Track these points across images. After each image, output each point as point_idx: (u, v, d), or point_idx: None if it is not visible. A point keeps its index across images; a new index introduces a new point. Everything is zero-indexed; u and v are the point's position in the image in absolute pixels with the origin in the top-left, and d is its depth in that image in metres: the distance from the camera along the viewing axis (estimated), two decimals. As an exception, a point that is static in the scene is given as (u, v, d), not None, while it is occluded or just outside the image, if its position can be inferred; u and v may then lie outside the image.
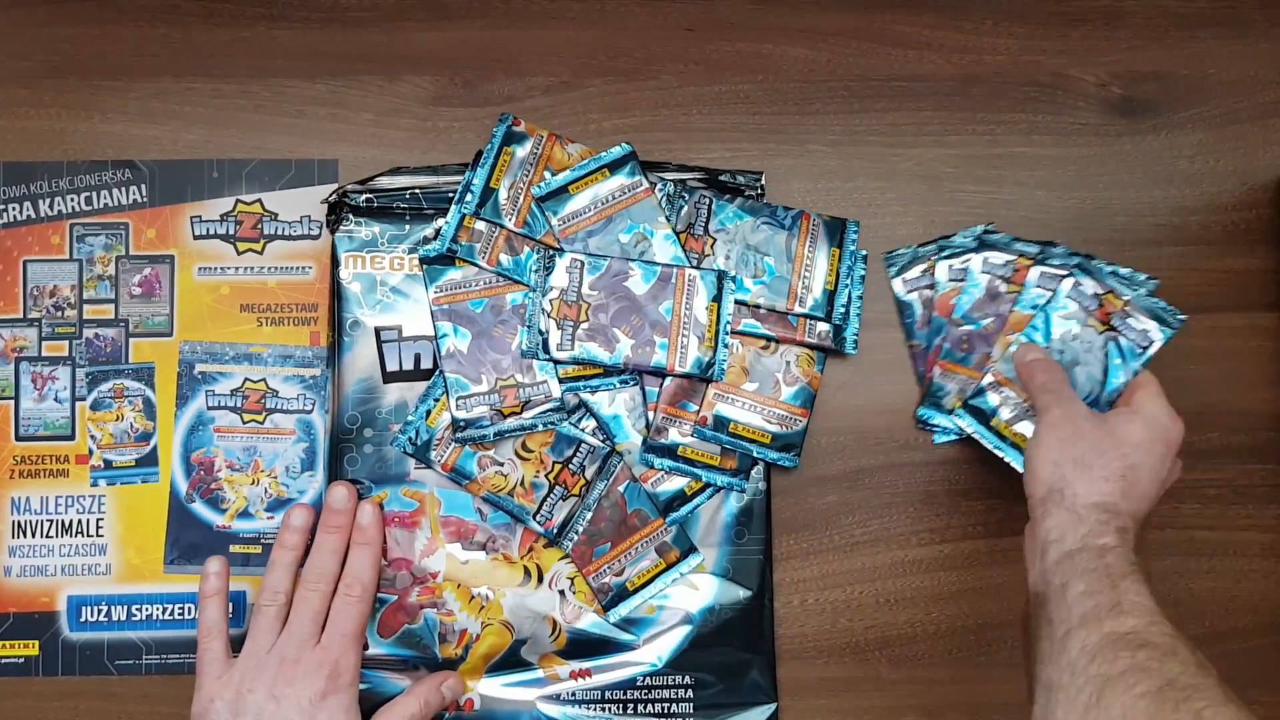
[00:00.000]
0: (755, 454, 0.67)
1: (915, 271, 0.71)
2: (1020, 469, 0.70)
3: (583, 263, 0.66)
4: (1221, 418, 0.72)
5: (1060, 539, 0.53)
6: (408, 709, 0.62)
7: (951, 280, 0.71)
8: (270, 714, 0.58)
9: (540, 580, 0.67)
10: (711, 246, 0.67)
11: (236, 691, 0.59)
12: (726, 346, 0.67)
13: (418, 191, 0.69)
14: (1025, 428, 0.68)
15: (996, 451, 0.68)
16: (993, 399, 0.69)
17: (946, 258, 0.71)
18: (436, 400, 0.66)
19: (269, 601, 0.62)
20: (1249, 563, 0.71)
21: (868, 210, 0.72)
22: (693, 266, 0.67)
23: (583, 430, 0.67)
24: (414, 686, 0.64)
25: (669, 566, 0.67)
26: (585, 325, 0.66)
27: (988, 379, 0.69)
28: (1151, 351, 0.69)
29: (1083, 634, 0.48)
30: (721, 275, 0.67)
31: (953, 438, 0.69)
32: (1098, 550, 0.52)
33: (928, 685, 0.69)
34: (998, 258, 0.70)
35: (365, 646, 0.64)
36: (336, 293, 0.68)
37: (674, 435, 0.67)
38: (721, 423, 0.67)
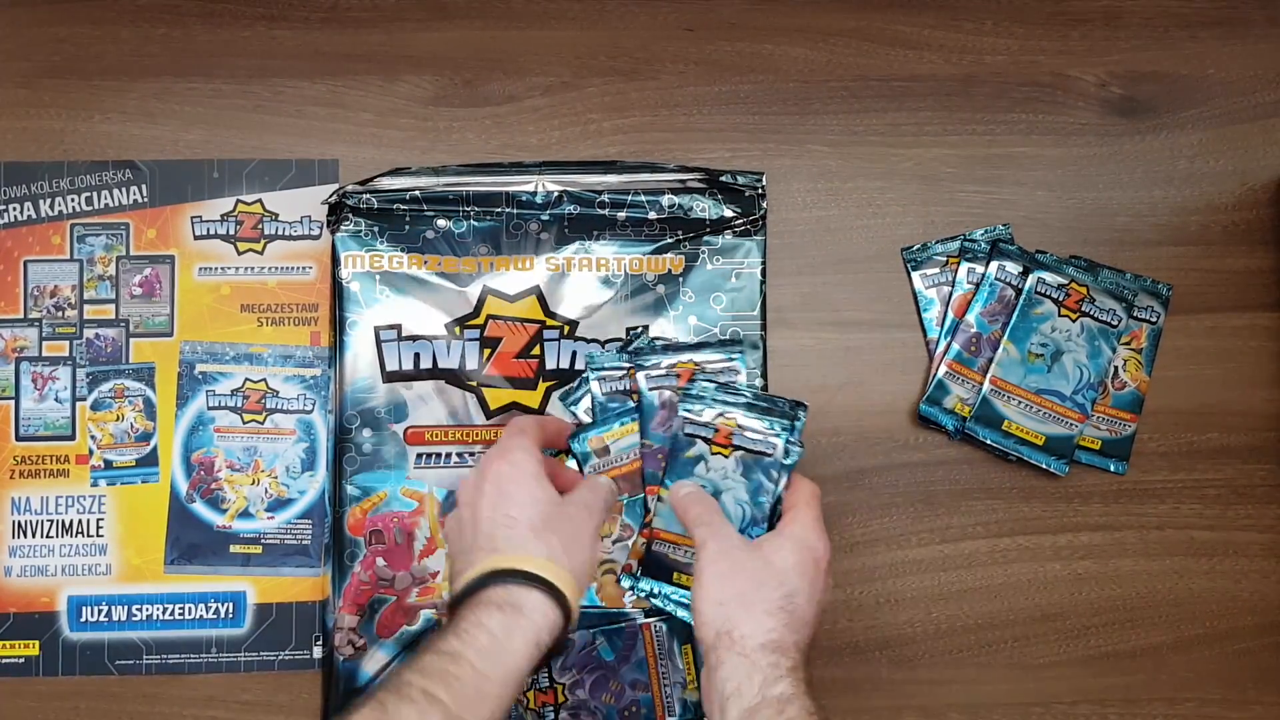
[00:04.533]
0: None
1: (934, 268, 0.72)
2: (1039, 462, 0.71)
3: None
4: (1221, 418, 0.72)
5: (738, 692, 0.51)
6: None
7: (970, 283, 0.71)
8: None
9: None
10: None
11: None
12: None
13: (418, 193, 0.69)
14: (1031, 425, 0.69)
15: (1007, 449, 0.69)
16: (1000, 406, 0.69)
17: (969, 260, 0.71)
18: None
19: None
20: (1249, 563, 0.71)
21: (867, 210, 0.72)
22: (650, 616, 0.66)
23: None
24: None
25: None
26: (566, 706, 0.65)
27: (987, 386, 0.69)
28: (1123, 326, 0.70)
29: None
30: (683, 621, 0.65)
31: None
32: (776, 705, 0.50)
33: (928, 685, 0.69)
34: (1013, 266, 0.71)
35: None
36: (337, 293, 0.68)
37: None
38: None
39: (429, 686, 0.46)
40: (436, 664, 0.47)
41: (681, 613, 0.62)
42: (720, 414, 0.63)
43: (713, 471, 0.62)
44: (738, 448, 0.62)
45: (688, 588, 0.61)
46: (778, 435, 0.61)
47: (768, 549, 0.56)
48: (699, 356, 0.67)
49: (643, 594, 0.63)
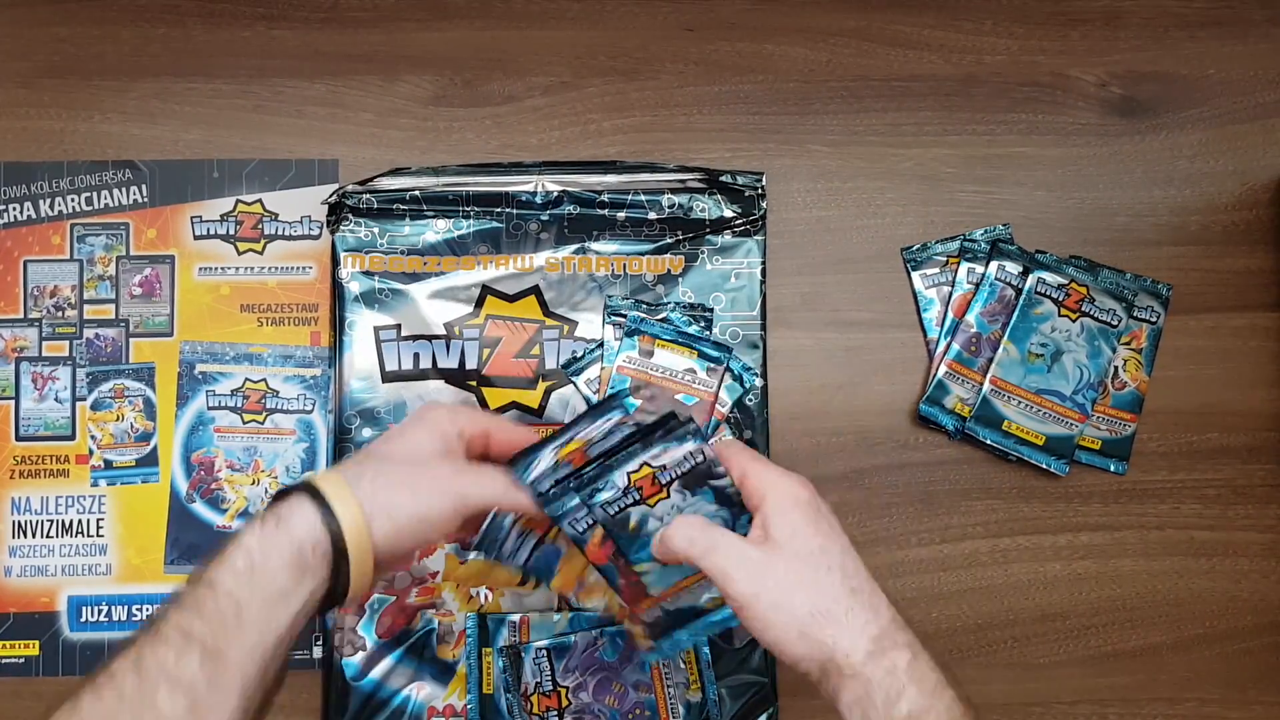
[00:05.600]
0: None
1: (934, 268, 0.72)
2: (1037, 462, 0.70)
3: (548, 650, 0.65)
4: (1221, 418, 0.72)
5: (865, 718, 0.45)
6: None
7: (970, 283, 0.71)
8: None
9: (539, 581, 0.67)
10: None
11: None
12: (715, 682, 0.65)
13: (418, 193, 0.69)
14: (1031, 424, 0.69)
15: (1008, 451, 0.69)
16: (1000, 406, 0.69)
17: (969, 260, 0.71)
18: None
19: None
20: (1249, 563, 0.71)
21: (868, 210, 0.72)
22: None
23: None
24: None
25: None
26: (570, 710, 0.65)
27: (987, 386, 0.69)
28: (1123, 326, 0.70)
29: None
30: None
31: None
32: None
33: (928, 685, 0.69)
34: (1013, 266, 0.71)
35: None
36: (336, 293, 0.68)
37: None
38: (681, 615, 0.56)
39: (184, 621, 0.43)
40: (193, 595, 0.44)
41: (718, 632, 0.58)
42: (631, 470, 0.53)
43: (665, 520, 0.53)
44: (666, 485, 0.53)
45: (717, 608, 0.55)
46: (688, 445, 0.53)
47: (783, 542, 0.49)
48: (654, 458, 0.53)
49: (679, 648, 0.57)
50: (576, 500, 0.53)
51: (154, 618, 0.44)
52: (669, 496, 0.53)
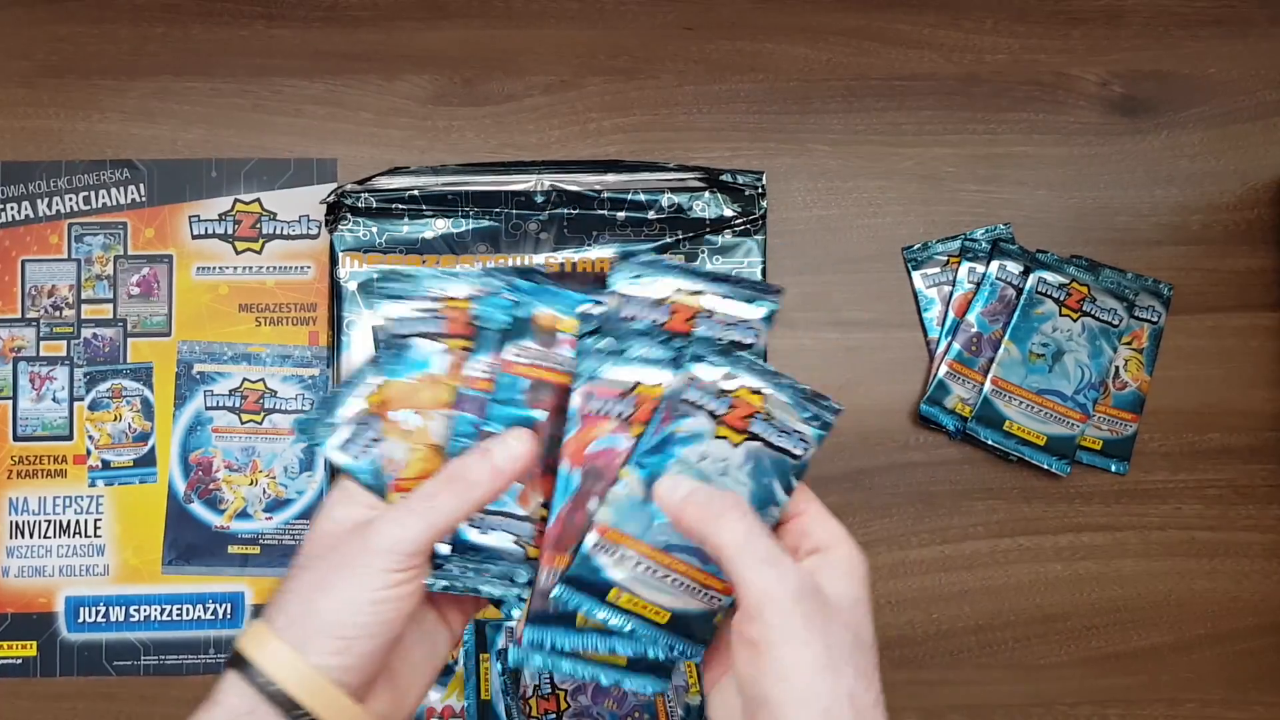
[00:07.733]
0: None
1: (934, 267, 0.71)
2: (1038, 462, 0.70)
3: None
4: (1222, 418, 0.71)
5: None
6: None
7: (971, 282, 0.71)
8: None
9: None
10: None
11: None
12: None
13: (416, 192, 0.68)
14: (1032, 424, 0.69)
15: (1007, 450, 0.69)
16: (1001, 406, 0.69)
17: (970, 259, 0.71)
18: None
19: None
20: (1250, 563, 0.71)
21: (867, 210, 0.72)
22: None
23: None
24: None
25: None
26: (569, 713, 0.65)
27: (988, 387, 0.69)
28: (1124, 326, 0.70)
29: None
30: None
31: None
32: None
33: (928, 685, 0.69)
34: (1014, 266, 0.71)
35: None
36: (335, 292, 0.68)
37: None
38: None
39: None
40: None
41: (606, 646, 0.42)
42: (741, 384, 0.42)
43: (706, 461, 0.41)
44: (755, 437, 0.42)
45: (627, 610, 0.41)
46: (812, 432, 0.42)
47: (838, 605, 0.38)
48: (711, 290, 0.44)
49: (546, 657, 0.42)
50: (665, 354, 0.42)
51: None
52: (738, 445, 0.42)
